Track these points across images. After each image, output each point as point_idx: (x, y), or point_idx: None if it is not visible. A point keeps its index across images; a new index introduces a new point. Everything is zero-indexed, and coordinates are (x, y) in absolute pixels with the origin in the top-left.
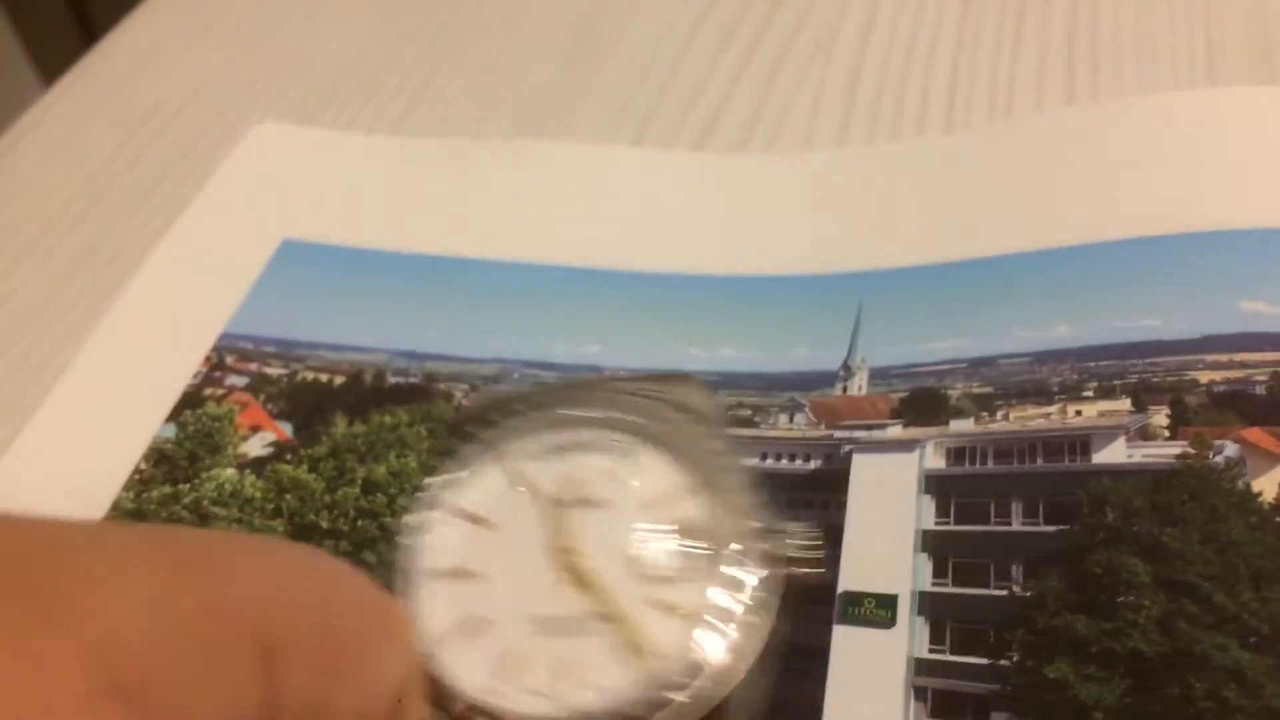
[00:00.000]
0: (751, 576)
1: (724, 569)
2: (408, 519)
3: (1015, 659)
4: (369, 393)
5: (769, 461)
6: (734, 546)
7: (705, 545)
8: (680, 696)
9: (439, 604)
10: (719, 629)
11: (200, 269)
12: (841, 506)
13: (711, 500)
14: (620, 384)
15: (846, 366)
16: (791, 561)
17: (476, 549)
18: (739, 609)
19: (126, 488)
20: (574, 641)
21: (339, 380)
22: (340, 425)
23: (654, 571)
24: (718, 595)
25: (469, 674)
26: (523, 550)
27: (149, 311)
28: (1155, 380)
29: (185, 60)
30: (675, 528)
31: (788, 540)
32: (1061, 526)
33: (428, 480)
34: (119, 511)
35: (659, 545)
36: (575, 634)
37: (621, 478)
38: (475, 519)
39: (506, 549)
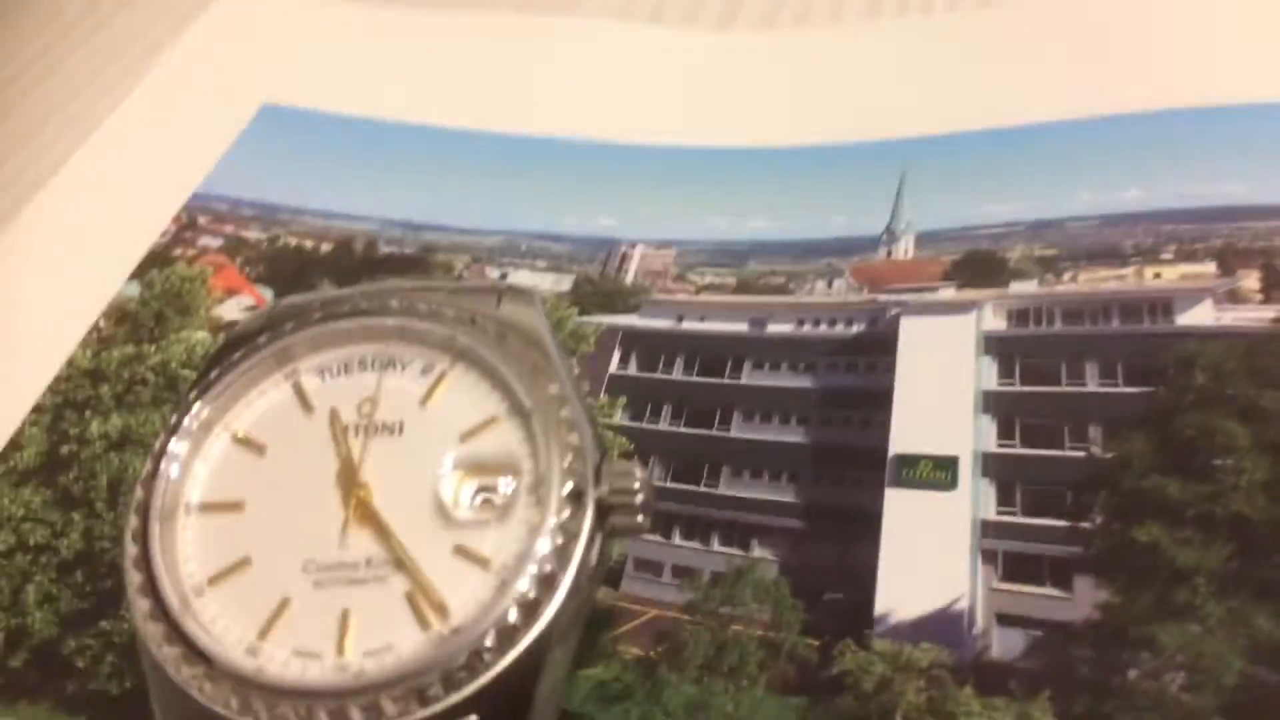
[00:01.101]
0: (566, 521)
1: (535, 512)
2: (169, 444)
3: (1098, 521)
4: (360, 261)
5: (806, 328)
6: (550, 486)
7: (515, 483)
8: (479, 660)
9: (199, 545)
10: (525, 582)
11: (169, 127)
12: (888, 370)
13: (529, 429)
14: (432, 294)
15: (890, 231)
16: (610, 507)
17: (249, 479)
18: (548, 561)
19: (84, 345)
20: (358, 592)
21: (325, 247)
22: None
23: (454, 513)
24: (525, 543)
25: (232, 631)
26: (304, 482)
27: (110, 167)
28: (1242, 245)
29: None
30: (482, 461)
31: (609, 479)
32: (1144, 388)
33: (194, 397)
34: (75, 368)
35: (461, 481)
36: (361, 583)
37: (423, 400)
38: (250, 443)
39: (285, 480)
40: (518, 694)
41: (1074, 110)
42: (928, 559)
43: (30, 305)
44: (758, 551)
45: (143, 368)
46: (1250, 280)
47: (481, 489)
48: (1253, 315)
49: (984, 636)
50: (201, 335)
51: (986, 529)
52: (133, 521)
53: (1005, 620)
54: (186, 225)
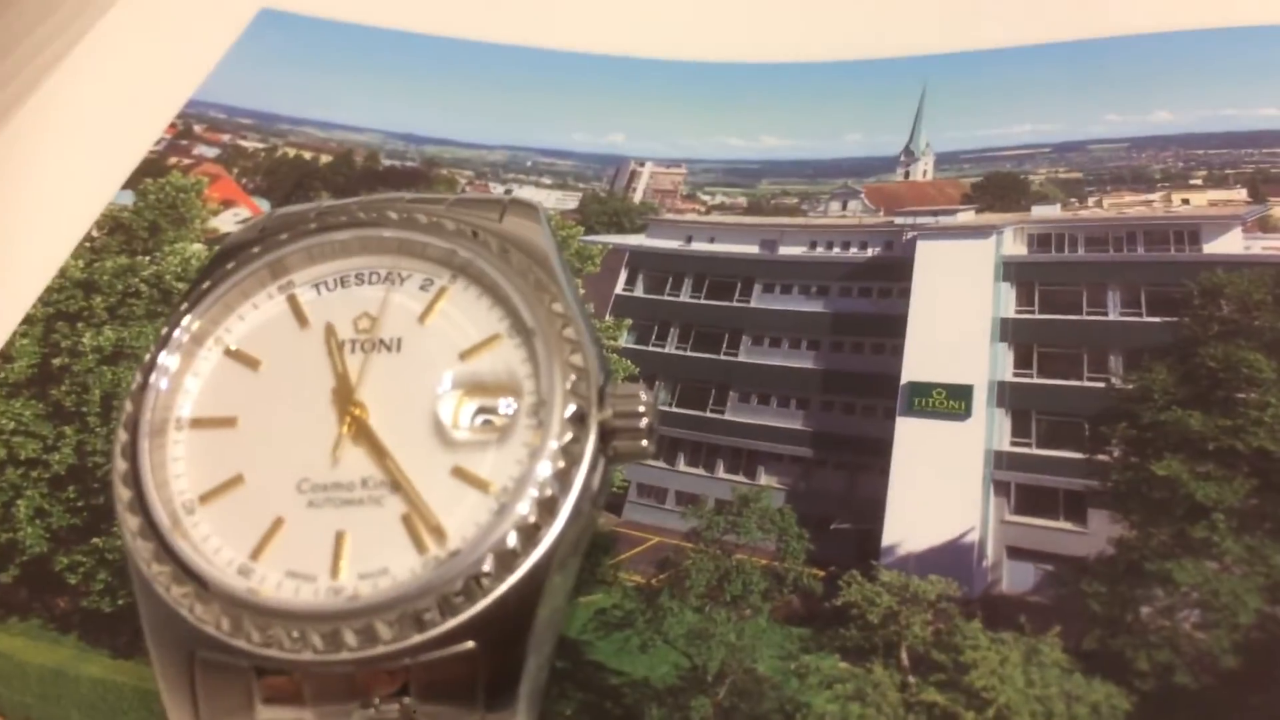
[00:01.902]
0: (568, 444)
1: (536, 434)
2: (159, 356)
3: (1116, 454)
4: (360, 174)
5: (819, 250)
6: (552, 408)
7: (516, 404)
8: (477, 585)
9: (190, 460)
10: (524, 506)
11: (164, 31)
12: (904, 295)
13: (531, 349)
14: (433, 206)
15: (909, 151)
16: (613, 431)
17: (242, 394)
18: (549, 485)
19: (76, 255)
20: (354, 513)
21: (325, 159)
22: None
23: (453, 434)
24: (525, 466)
25: (224, 551)
26: (299, 399)
27: (104, 72)
28: (1275, 171)
29: None
30: (482, 380)
31: (614, 401)
32: (1168, 318)
33: (185, 308)
34: (67, 279)
35: (460, 401)
36: (356, 504)
37: (422, 316)
38: (243, 357)
39: (279, 397)
40: (516, 621)
41: (1100, 28)
42: (938, 490)
43: (21, 214)
44: (764, 479)
45: (136, 279)
46: None
47: (481, 409)
48: None
49: (994, 570)
50: (196, 247)
51: (1000, 460)
52: (122, 436)
53: (1016, 554)
54: (182, 133)
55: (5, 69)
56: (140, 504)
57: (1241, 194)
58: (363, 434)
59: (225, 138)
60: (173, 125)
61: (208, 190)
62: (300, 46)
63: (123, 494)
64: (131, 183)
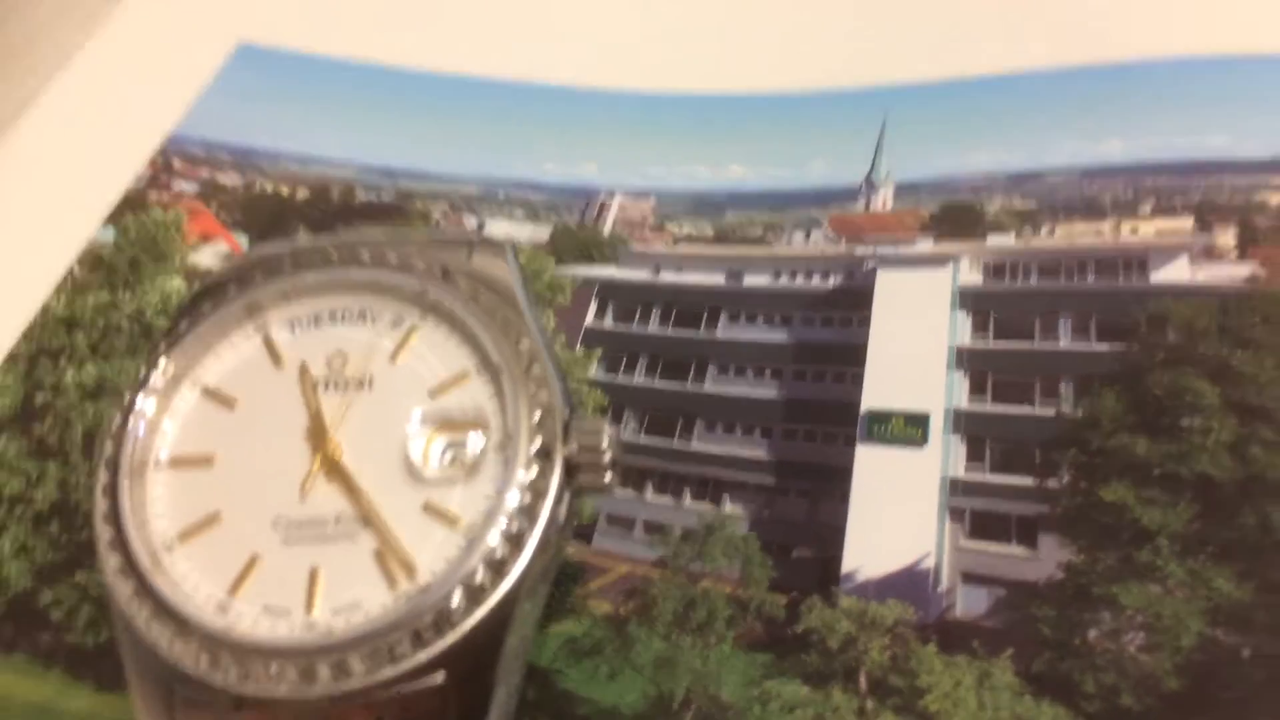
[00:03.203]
0: (534, 479)
1: (503, 470)
2: (137, 398)
3: (1065, 480)
4: (337, 208)
5: (782, 279)
6: (518, 443)
7: (484, 440)
8: (446, 619)
9: (169, 500)
10: (492, 540)
11: (141, 67)
12: (864, 324)
13: (498, 386)
14: (403, 245)
15: (870, 181)
16: (578, 465)
17: (219, 433)
18: (516, 519)
19: (58, 292)
20: (327, 549)
21: (302, 193)
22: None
23: (423, 471)
24: (493, 501)
25: (202, 588)
26: (274, 437)
27: (84, 107)
28: (1221, 200)
29: None
30: (451, 417)
31: (578, 436)
32: (1116, 346)
33: (162, 349)
34: (49, 317)
35: (430, 438)
36: (329, 540)
37: (393, 355)
38: (219, 396)
39: (255, 435)
40: (485, 651)
41: (1057, 59)
42: (896, 516)
43: (3, 250)
44: (729, 507)
45: (118, 315)
46: (1226, 236)
47: (450, 445)
48: (1227, 273)
49: (949, 595)
50: (177, 283)
51: (955, 487)
52: (102, 475)
53: (970, 579)
54: (162, 169)
55: None
56: (121, 543)
57: (1188, 223)
58: (336, 471)
59: (204, 173)
60: (152, 161)
61: (187, 225)
62: (277, 81)
63: (104, 532)
64: (112, 219)
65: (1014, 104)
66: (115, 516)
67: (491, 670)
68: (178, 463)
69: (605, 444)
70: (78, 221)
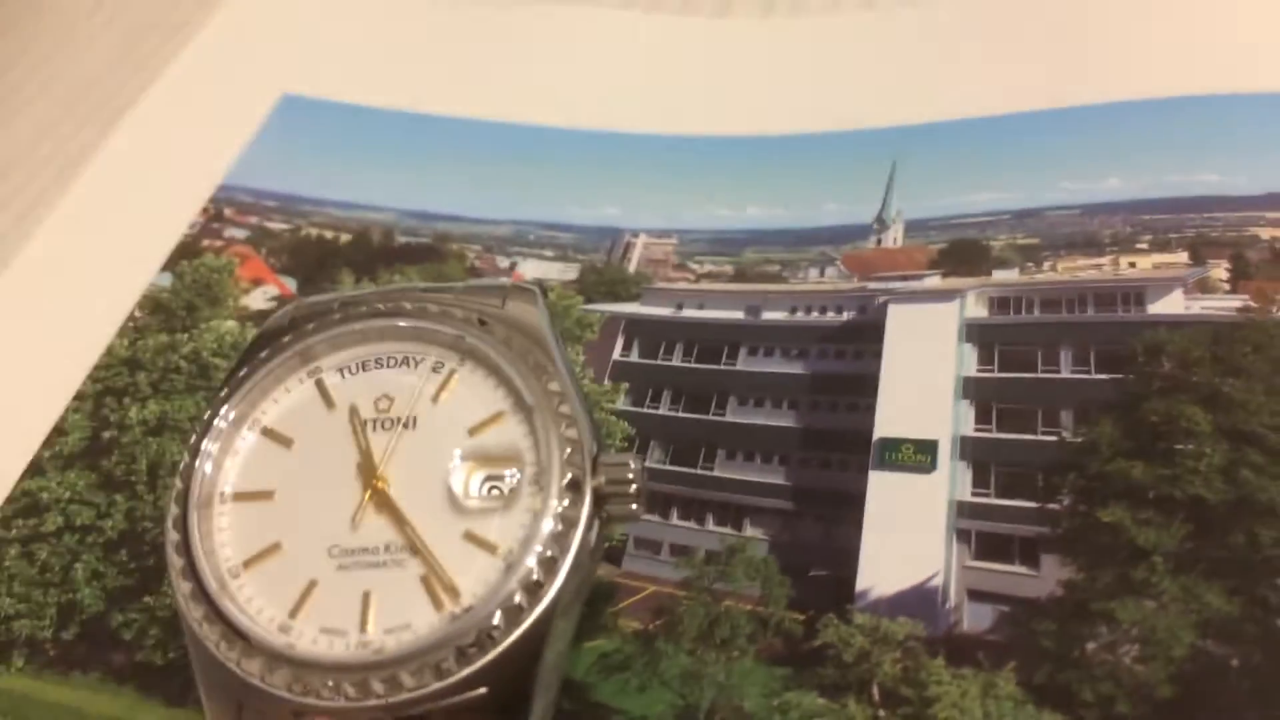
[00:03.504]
0: (566, 509)
1: (537, 501)
2: (204, 438)
3: (1066, 503)
4: (378, 251)
5: (799, 314)
6: (550, 476)
7: (519, 474)
8: (488, 637)
9: (234, 531)
10: (530, 566)
11: (193, 119)
12: (876, 356)
13: (531, 424)
14: (441, 295)
15: (881, 220)
16: (606, 496)
17: (277, 470)
18: (550, 545)
19: (121, 334)
20: (378, 575)
21: (345, 238)
22: (347, 281)
23: (464, 502)
24: (529, 529)
25: (266, 611)
26: (328, 473)
27: (140, 158)
28: (1214, 235)
29: None
30: (488, 453)
31: (606, 469)
32: (1114, 375)
33: (224, 394)
34: (114, 358)
35: (470, 472)
36: (380, 567)
37: (435, 396)
38: (277, 436)
39: (310, 471)
40: (524, 667)
41: (1058, 99)
42: (906, 538)
43: (69, 297)
44: (749, 531)
45: (176, 356)
46: (1219, 270)
47: (489, 479)
48: (1220, 305)
49: (956, 611)
50: (230, 325)
51: (962, 509)
52: (173, 510)
53: (976, 596)
54: (214, 217)
55: (44, 153)
56: (191, 571)
57: (1183, 257)
58: (384, 504)
59: (253, 220)
60: (205, 209)
61: (238, 270)
62: (320, 129)
63: (175, 562)
64: (169, 265)
65: (1017, 144)
66: (186, 547)
67: (530, 684)
68: (241, 497)
69: (631, 475)
70: (137, 268)
